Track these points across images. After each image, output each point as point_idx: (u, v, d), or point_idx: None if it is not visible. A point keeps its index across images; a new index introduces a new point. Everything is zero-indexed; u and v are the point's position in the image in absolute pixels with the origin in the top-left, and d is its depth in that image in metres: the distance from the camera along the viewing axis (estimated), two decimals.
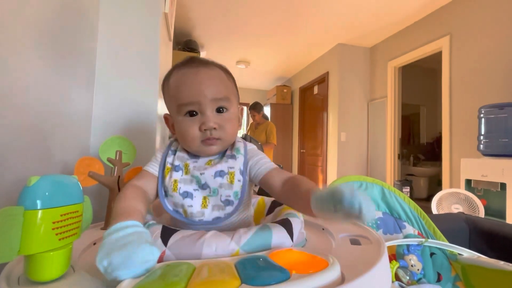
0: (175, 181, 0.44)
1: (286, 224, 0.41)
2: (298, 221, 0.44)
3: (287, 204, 0.51)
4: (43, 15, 0.57)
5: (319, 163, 3.78)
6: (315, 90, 3.95)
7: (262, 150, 2.55)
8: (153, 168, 0.47)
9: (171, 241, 0.37)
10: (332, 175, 3.42)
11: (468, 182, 1.90)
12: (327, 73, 3.53)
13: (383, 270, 0.34)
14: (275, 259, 0.32)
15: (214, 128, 0.44)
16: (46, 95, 0.59)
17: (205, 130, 0.44)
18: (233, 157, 0.46)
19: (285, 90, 4.65)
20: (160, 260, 0.35)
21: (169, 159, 0.47)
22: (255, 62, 4.06)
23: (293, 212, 0.47)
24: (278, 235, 0.38)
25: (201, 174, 0.44)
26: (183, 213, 0.43)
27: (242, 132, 4.56)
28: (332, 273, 0.28)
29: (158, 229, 0.38)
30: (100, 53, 0.87)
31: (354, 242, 0.46)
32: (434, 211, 1.78)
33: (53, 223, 0.30)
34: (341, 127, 3.30)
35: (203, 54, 3.45)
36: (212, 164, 0.46)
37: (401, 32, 2.90)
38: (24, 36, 0.51)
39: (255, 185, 0.50)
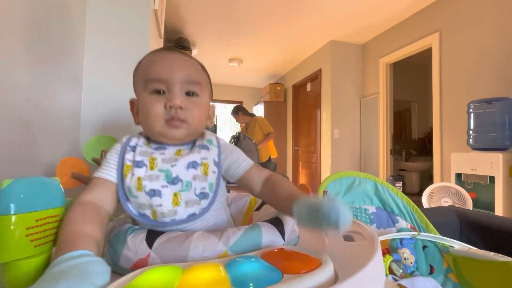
0: (139, 178, 0.39)
1: (277, 223, 0.40)
2: (289, 219, 0.43)
3: (267, 203, 0.51)
4: (30, 14, 0.54)
5: (313, 160, 3.79)
6: (308, 87, 3.96)
7: (257, 149, 2.55)
8: (107, 172, 0.40)
9: (156, 243, 0.35)
10: (326, 172, 3.43)
11: (458, 176, 1.94)
12: (320, 70, 3.54)
13: (377, 266, 0.34)
14: (266, 259, 0.31)
15: (181, 108, 0.41)
16: (33, 95, 0.57)
17: (170, 107, 0.40)
18: (205, 147, 0.44)
19: (278, 88, 4.65)
20: (145, 263, 0.34)
21: (128, 156, 0.41)
22: (248, 60, 4.03)
23: None
24: (269, 234, 0.37)
25: (172, 166, 0.40)
26: (151, 215, 0.38)
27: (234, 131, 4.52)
28: (325, 273, 0.28)
29: (143, 232, 0.37)
30: (88, 52, 0.85)
31: (348, 238, 0.46)
32: (425, 204, 1.80)
33: (27, 229, 0.28)
34: (334, 124, 3.32)
35: (195, 52, 3.41)
36: (183, 155, 0.42)
37: (392, 29, 2.92)
38: (10, 34, 0.48)
39: (228, 182, 0.48)
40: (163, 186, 0.39)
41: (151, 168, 0.40)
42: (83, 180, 0.50)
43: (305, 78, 3.96)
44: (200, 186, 0.40)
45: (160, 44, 1.56)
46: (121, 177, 0.40)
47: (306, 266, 0.29)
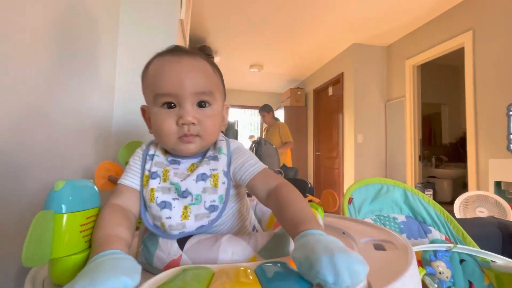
0: (152, 190, 0.39)
1: None
2: None
3: None
4: (68, 27, 0.59)
5: (335, 165, 3.70)
6: (330, 91, 3.89)
7: (278, 154, 2.54)
8: (131, 180, 0.41)
9: (187, 245, 0.36)
10: (349, 178, 3.33)
11: (498, 184, 1.79)
12: (342, 74, 3.47)
13: (414, 277, 0.32)
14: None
15: (193, 123, 0.39)
16: (71, 102, 0.61)
17: (182, 124, 0.39)
18: (215, 158, 0.42)
19: (299, 93, 4.62)
20: (177, 264, 0.35)
21: (147, 166, 0.41)
22: (268, 66, 4.06)
23: None
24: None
25: (181, 180, 0.39)
26: (161, 226, 0.37)
27: (256, 134, 4.55)
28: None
29: None
30: (120, 60, 0.90)
31: (378, 247, 0.44)
32: (457, 214, 1.68)
33: (80, 225, 0.30)
34: (358, 128, 3.22)
35: (216, 59, 3.51)
36: (194, 169, 0.41)
37: (419, 30, 2.80)
38: (51, 44, 0.53)
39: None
40: (173, 199, 0.38)
41: (164, 181, 0.40)
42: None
43: (326, 82, 3.90)
44: (210, 199, 0.39)
45: None
46: (142, 185, 0.41)
47: None
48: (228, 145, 0.45)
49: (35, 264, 0.28)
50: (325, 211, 0.61)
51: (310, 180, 4.43)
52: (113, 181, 0.53)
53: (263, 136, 3.02)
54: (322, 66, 4.06)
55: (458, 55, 2.48)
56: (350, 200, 0.84)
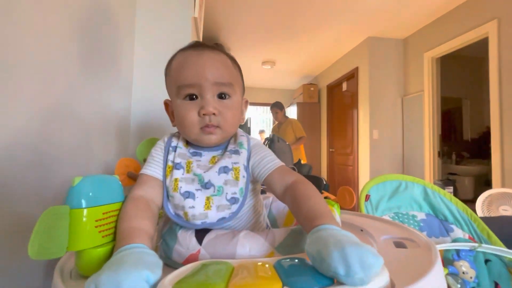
0: (176, 180, 0.40)
1: None
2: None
3: None
4: (86, 26, 0.61)
5: (350, 162, 3.63)
6: (344, 86, 3.81)
7: (291, 151, 2.53)
8: (153, 170, 0.42)
9: (206, 240, 0.37)
10: (364, 175, 3.26)
11: None
12: (357, 68, 3.39)
13: (438, 276, 0.31)
14: None
15: (214, 114, 0.41)
16: (91, 100, 0.63)
17: (204, 115, 0.41)
18: (236, 152, 0.43)
19: (312, 89, 4.55)
20: (196, 258, 0.35)
21: (170, 157, 0.43)
22: (280, 62, 4.03)
23: None
24: None
25: (204, 172, 0.41)
26: (183, 216, 0.38)
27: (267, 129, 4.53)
28: (381, 280, 0.26)
29: (190, 229, 0.38)
30: (137, 57, 0.92)
31: (399, 245, 0.43)
32: (479, 212, 1.61)
33: (96, 221, 0.31)
34: (373, 124, 3.14)
35: None
36: (216, 161, 0.43)
37: (438, 21, 2.68)
38: (71, 45, 0.55)
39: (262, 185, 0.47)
40: (197, 190, 0.40)
41: (187, 171, 0.41)
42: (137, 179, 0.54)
43: (340, 77, 3.82)
44: (232, 191, 0.40)
45: None
46: (164, 176, 0.42)
47: None
48: (248, 141, 0.46)
49: (48, 257, 0.29)
50: (341, 208, 0.60)
51: (324, 177, 4.38)
52: (132, 177, 0.55)
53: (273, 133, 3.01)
54: (336, 61, 3.98)
55: (481, 46, 2.36)
56: (367, 197, 0.83)
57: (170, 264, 0.37)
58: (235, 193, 0.40)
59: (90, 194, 0.32)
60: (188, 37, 1.00)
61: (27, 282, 0.43)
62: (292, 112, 4.71)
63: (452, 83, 3.59)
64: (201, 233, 0.38)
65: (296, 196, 0.38)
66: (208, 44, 0.45)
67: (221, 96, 0.42)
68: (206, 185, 0.40)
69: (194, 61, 0.41)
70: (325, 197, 0.82)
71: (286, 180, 0.41)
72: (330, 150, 4.22)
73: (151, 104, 0.91)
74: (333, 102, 4.20)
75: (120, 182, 0.38)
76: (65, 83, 0.53)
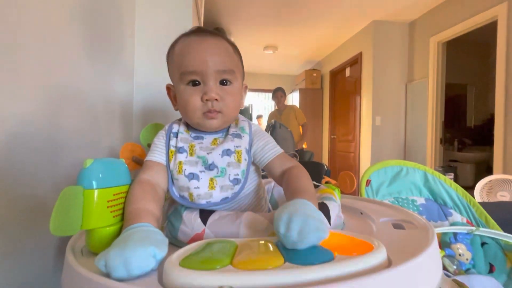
0: (180, 163, 0.42)
1: (323, 207, 0.40)
2: (335, 204, 0.43)
3: None
4: (87, 12, 0.60)
5: (352, 149, 3.63)
6: (347, 72, 3.75)
7: (292, 137, 2.52)
8: (158, 156, 0.44)
9: (210, 220, 0.38)
10: (365, 162, 3.28)
11: None
12: (360, 53, 3.32)
13: (434, 255, 0.32)
14: None
15: (216, 100, 0.42)
16: (95, 87, 0.64)
17: (206, 100, 0.42)
18: (238, 136, 0.45)
19: (314, 74, 4.49)
20: (201, 238, 0.37)
21: (172, 142, 0.45)
22: (283, 47, 3.95)
23: (329, 195, 0.46)
24: None
25: (208, 153, 0.42)
26: (188, 197, 0.40)
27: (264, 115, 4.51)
28: (379, 257, 0.27)
29: (195, 210, 0.40)
30: (138, 42, 0.91)
31: (397, 226, 0.44)
32: (477, 198, 1.63)
33: (108, 201, 0.33)
34: (376, 110, 3.12)
35: None
36: (218, 144, 0.44)
37: (446, 3, 2.59)
38: (69, 29, 0.54)
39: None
40: (200, 171, 0.41)
41: (191, 154, 0.43)
42: (142, 163, 0.55)
43: (343, 63, 3.76)
44: (234, 172, 0.42)
45: None
46: (167, 161, 0.43)
47: (357, 249, 0.29)
48: (250, 126, 0.48)
49: (65, 234, 0.30)
50: (342, 193, 0.61)
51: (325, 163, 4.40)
52: (137, 161, 0.56)
53: (270, 120, 2.95)
54: (339, 46, 3.89)
55: (489, 30, 2.29)
56: (368, 182, 0.84)
57: (175, 244, 0.39)
58: (237, 174, 0.42)
59: (100, 175, 0.33)
60: (189, 21, 0.98)
61: (41, 260, 0.45)
62: (294, 98, 4.67)
63: (458, 69, 3.52)
64: (205, 214, 0.39)
65: (289, 177, 0.42)
66: (210, 29, 0.46)
67: (223, 82, 0.44)
68: (210, 167, 0.42)
69: (196, 47, 0.42)
70: (326, 182, 0.83)
71: (284, 166, 0.44)
72: (332, 137, 4.22)
73: (153, 88, 0.91)
74: (336, 88, 4.15)
75: (126, 166, 0.39)
76: (67, 68, 0.53)
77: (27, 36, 0.41)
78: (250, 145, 0.46)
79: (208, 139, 0.45)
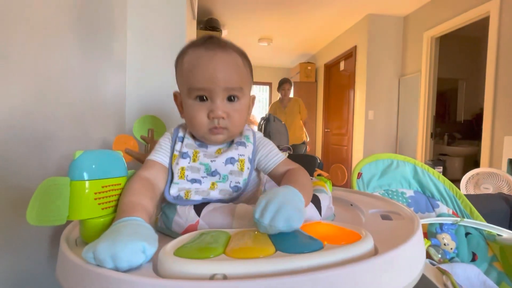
0: (182, 168, 0.42)
1: (314, 199, 0.42)
2: (326, 196, 0.44)
3: None
4: (78, 2, 0.58)
5: (344, 142, 3.68)
6: (341, 66, 3.76)
7: (287, 131, 2.51)
8: (161, 157, 0.44)
9: (204, 211, 0.39)
10: (358, 155, 3.32)
11: (511, 162, 1.76)
12: (355, 47, 3.32)
13: (419, 244, 0.34)
14: (306, 230, 0.32)
15: (222, 118, 0.43)
16: (86, 79, 0.62)
17: (213, 118, 0.42)
18: (242, 144, 0.46)
19: (309, 67, 4.48)
20: (195, 229, 0.38)
21: (177, 147, 0.45)
22: (277, 39, 3.92)
23: (321, 188, 0.48)
24: (306, 209, 0.38)
25: (211, 161, 0.43)
26: (184, 195, 0.41)
27: (262, 114, 4.50)
28: (366, 245, 0.28)
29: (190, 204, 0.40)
30: (130, 36, 0.89)
31: (385, 217, 0.45)
32: (463, 190, 1.68)
33: (95, 193, 0.33)
34: (369, 105, 3.15)
35: (224, 33, 3.39)
36: (222, 152, 0.45)
37: None
38: (60, 20, 0.53)
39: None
40: (202, 177, 0.43)
41: (194, 161, 0.43)
42: (135, 156, 0.55)
43: (338, 56, 3.76)
44: (235, 180, 0.43)
45: (193, 25, 1.58)
46: (170, 165, 0.44)
47: (346, 238, 0.30)
48: (254, 135, 0.49)
49: (50, 224, 0.30)
50: (333, 185, 0.62)
51: (318, 156, 4.45)
52: (130, 153, 0.56)
53: (277, 113, 2.85)
54: (334, 39, 3.89)
55: (480, 25, 2.32)
56: (359, 175, 0.86)
57: (170, 235, 0.39)
58: (238, 182, 0.43)
59: (93, 166, 0.33)
60: (183, 12, 0.96)
61: (34, 250, 0.45)
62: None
63: (450, 64, 3.57)
64: (199, 205, 0.40)
65: (287, 175, 0.44)
66: (220, 40, 0.45)
67: (230, 98, 0.44)
68: (212, 173, 0.43)
69: (205, 64, 0.42)
70: (319, 175, 0.84)
71: (286, 167, 0.46)
72: (325, 130, 4.25)
73: (145, 81, 0.89)
74: (330, 82, 4.16)
75: (122, 158, 0.39)
76: (59, 59, 0.52)
77: (17, 28, 0.40)
78: (254, 154, 0.47)
79: (212, 148, 0.46)
